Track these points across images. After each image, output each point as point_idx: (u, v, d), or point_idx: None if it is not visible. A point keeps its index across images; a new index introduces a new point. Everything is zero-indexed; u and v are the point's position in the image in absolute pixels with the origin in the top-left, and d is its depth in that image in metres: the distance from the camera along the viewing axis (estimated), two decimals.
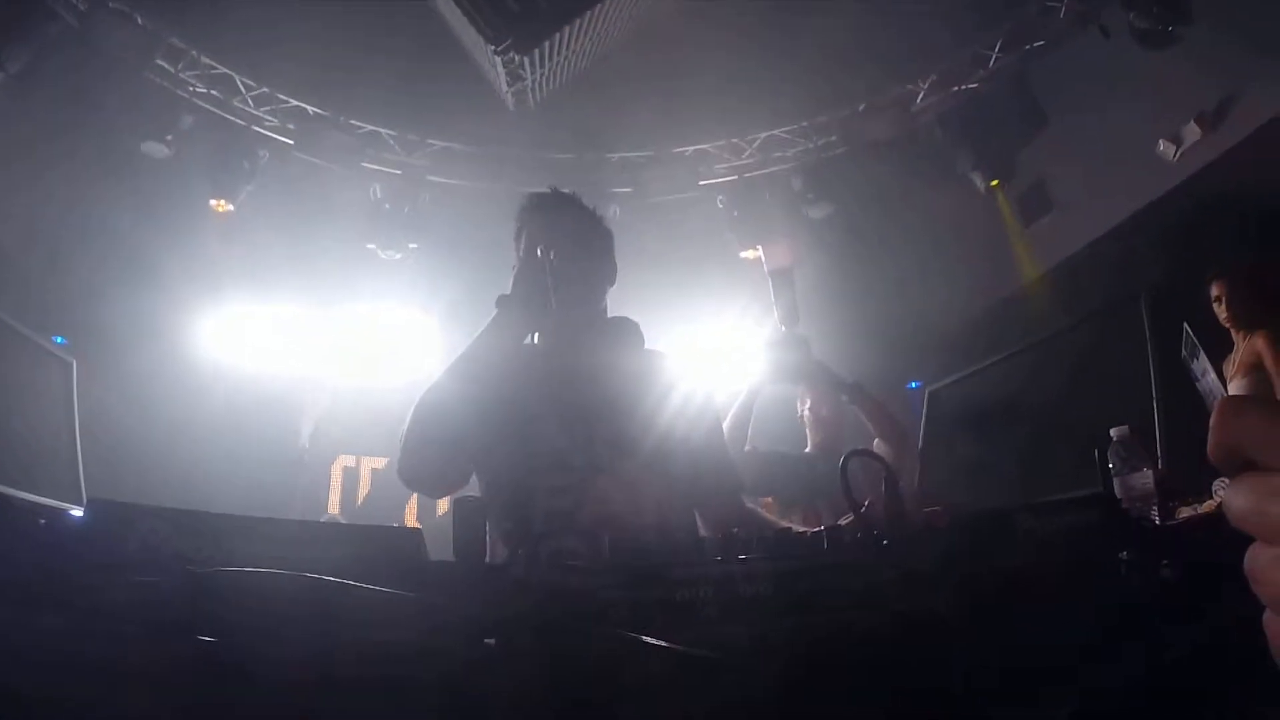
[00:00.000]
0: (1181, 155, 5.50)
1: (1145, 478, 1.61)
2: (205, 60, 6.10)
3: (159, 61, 5.85)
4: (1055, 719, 0.79)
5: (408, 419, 1.89)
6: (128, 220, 5.71)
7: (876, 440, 3.26)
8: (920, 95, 6.61)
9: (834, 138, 6.88)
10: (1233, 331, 3.92)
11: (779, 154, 7.08)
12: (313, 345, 6.97)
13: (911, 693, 0.80)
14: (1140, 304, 2.20)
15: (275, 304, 6.81)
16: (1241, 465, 0.45)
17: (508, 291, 1.97)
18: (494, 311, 1.95)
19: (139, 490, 3.57)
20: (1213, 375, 1.98)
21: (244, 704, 0.73)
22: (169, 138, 5.99)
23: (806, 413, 3.69)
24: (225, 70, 6.20)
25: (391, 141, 6.82)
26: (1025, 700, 0.81)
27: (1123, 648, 0.86)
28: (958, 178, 6.62)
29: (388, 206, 6.84)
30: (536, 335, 2.08)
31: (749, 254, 7.09)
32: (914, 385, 5.33)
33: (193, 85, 6.13)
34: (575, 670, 0.78)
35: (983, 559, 0.97)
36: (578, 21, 5.06)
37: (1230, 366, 3.88)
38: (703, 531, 2.02)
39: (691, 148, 7.04)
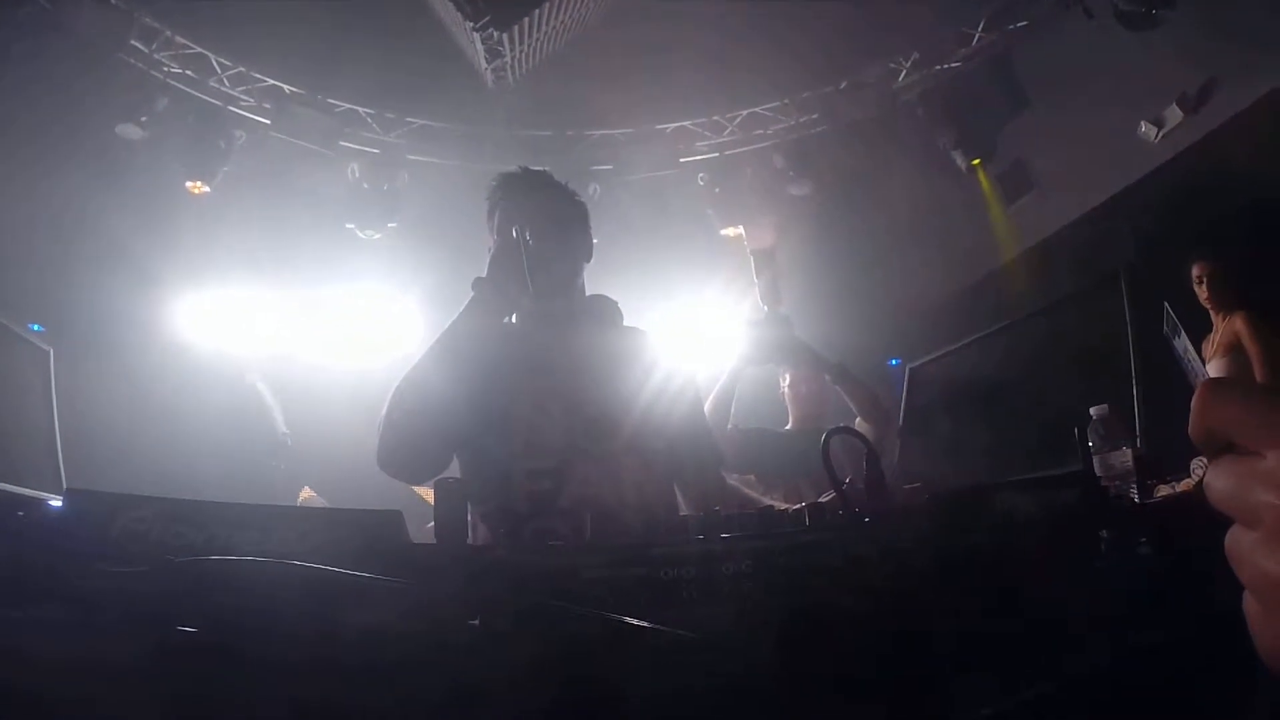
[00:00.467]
0: (1163, 137, 5.52)
1: (1124, 456, 1.63)
2: (179, 40, 5.99)
3: (132, 42, 5.75)
4: (1036, 695, 0.80)
5: (386, 404, 1.87)
6: (103, 204, 5.62)
7: (859, 419, 3.27)
8: (902, 74, 6.61)
9: (815, 115, 6.86)
10: (1212, 312, 3.97)
11: (760, 131, 7.06)
12: (292, 327, 6.91)
13: (892, 669, 0.81)
14: (1120, 282, 2.21)
15: (254, 286, 6.74)
16: (1222, 447, 0.46)
17: (484, 274, 1.95)
18: (471, 294, 1.94)
19: (119, 478, 3.54)
20: (1194, 354, 2.00)
21: (227, 693, 0.72)
22: (143, 119, 5.89)
23: (787, 389, 3.70)
24: (200, 50, 6.09)
25: (369, 120, 6.74)
26: (1006, 675, 0.82)
27: (1101, 625, 0.87)
28: (939, 156, 6.63)
29: (366, 186, 6.77)
30: (514, 315, 2.08)
31: (729, 231, 7.08)
32: (894, 362, 5.35)
33: (167, 65, 6.02)
34: (559, 651, 0.78)
35: (963, 536, 0.98)
36: None
37: (1209, 347, 3.93)
38: (684, 509, 2.03)
39: (672, 125, 7.01)
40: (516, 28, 5.14)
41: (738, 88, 6.72)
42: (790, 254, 6.80)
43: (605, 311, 2.11)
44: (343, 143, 6.68)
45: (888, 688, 0.81)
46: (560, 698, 0.76)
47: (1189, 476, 1.51)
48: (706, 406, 2.91)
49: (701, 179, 7.10)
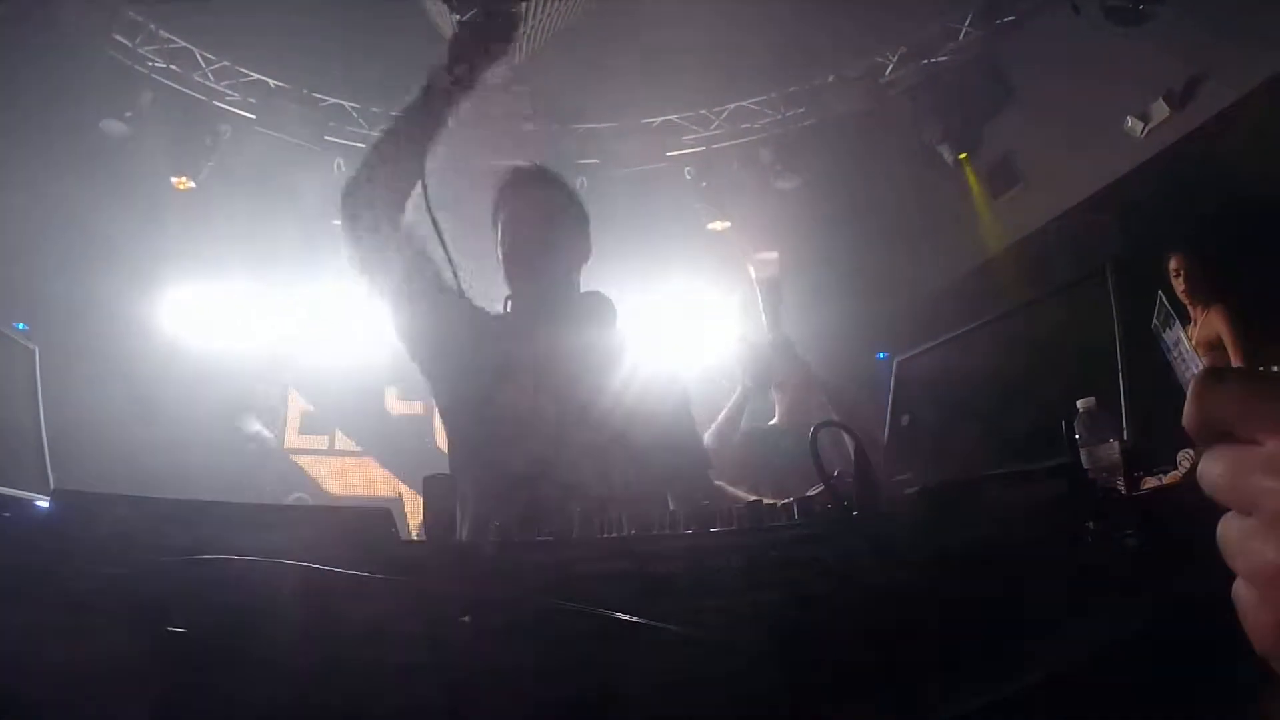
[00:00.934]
0: (1149, 132, 5.55)
1: (1111, 449, 1.64)
2: (163, 34, 5.96)
3: (116, 36, 5.70)
4: (1026, 687, 0.81)
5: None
6: (88, 200, 5.57)
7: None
8: (890, 68, 6.62)
9: (803, 109, 6.87)
10: (1190, 305, 3.99)
11: (747, 125, 7.07)
12: (277, 323, 6.88)
13: (882, 662, 0.81)
14: (1106, 276, 2.22)
15: (240, 282, 6.70)
16: (1218, 436, 0.45)
17: (480, 268, 1.99)
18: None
19: (107, 478, 3.52)
20: (1185, 345, 2.01)
21: (217, 695, 0.72)
22: (128, 114, 5.87)
23: (774, 386, 3.71)
24: (184, 44, 6.06)
25: (355, 114, 6.72)
26: (995, 667, 0.83)
27: (1091, 616, 0.88)
28: (926, 150, 6.64)
29: None
30: (509, 305, 2.08)
31: (716, 225, 7.09)
32: (882, 356, 5.36)
33: (151, 60, 5.99)
34: (549, 647, 0.78)
35: (951, 528, 0.98)
36: None
37: (1188, 340, 3.96)
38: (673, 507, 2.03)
39: (659, 119, 7.01)
40: None
41: (725, 81, 6.70)
42: (778, 248, 6.81)
43: (600, 308, 2.11)
44: (328, 137, 6.65)
45: (877, 680, 0.81)
46: (550, 693, 0.76)
47: (1176, 469, 1.52)
48: (716, 426, 3.11)
49: (688, 173, 7.10)
